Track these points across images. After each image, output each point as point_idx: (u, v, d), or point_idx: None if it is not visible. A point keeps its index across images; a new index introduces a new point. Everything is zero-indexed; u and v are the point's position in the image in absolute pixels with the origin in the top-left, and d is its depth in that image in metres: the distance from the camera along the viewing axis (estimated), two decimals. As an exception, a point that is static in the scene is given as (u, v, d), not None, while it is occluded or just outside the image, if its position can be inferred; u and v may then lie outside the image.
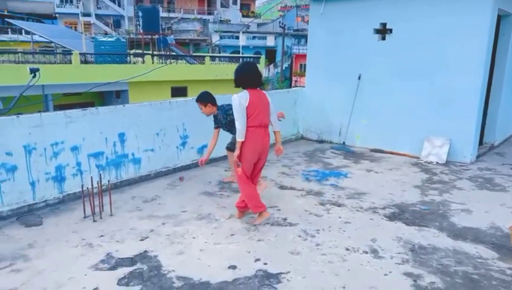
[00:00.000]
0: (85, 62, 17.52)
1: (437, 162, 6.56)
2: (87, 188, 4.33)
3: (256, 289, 3.04)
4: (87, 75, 16.70)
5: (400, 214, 4.52)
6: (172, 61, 19.06)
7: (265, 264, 3.41)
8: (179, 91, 19.81)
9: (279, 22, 40.41)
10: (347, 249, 3.68)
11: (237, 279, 3.19)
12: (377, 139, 7.38)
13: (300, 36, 48.66)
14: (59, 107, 13.87)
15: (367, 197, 5.03)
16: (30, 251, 3.59)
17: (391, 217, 4.43)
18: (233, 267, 3.37)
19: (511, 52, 7.34)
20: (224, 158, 6.67)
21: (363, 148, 7.54)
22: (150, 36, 21.67)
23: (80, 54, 17.21)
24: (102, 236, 3.90)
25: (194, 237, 3.90)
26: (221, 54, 27.31)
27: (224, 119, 4.99)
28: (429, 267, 3.40)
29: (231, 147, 5.22)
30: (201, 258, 3.51)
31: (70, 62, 16.87)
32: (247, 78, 3.95)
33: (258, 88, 4.04)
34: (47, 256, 3.50)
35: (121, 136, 5.31)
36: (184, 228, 4.10)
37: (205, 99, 4.93)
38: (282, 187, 5.36)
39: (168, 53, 22.18)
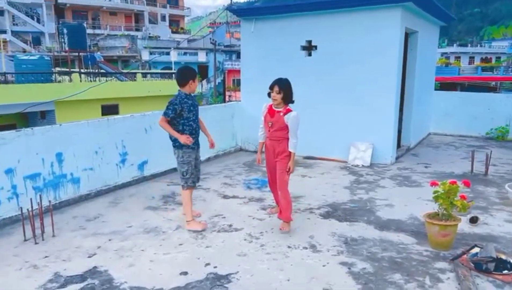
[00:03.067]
0: (5, 82, 16.47)
1: (362, 165, 7.21)
2: (27, 209, 4.24)
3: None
4: (8, 96, 15.73)
5: (333, 212, 4.98)
6: (108, 79, 18.51)
7: (215, 267, 3.63)
8: (110, 109, 19.29)
9: (210, 38, 40.92)
10: (289, 247, 4.01)
11: (189, 283, 3.37)
12: (309, 147, 7.88)
13: (231, 51, 49.63)
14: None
15: (303, 199, 5.44)
16: (-30, 278, 3.47)
17: (325, 216, 4.87)
18: (184, 273, 3.54)
19: (419, 64, 8.33)
20: (167, 172, 6.77)
21: (297, 156, 7.96)
22: (76, 54, 20.90)
23: (-1, 73, 16.18)
24: (46, 257, 3.86)
25: (142, 250, 4.00)
26: (153, 71, 27.03)
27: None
28: (360, 255, 3.83)
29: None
30: (152, 268, 3.63)
31: (-12, 83, 15.81)
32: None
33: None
34: (-10, 282, 3.41)
35: (59, 155, 5.23)
36: (132, 242, 4.18)
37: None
38: (225, 197, 5.60)
39: (97, 70, 21.54)
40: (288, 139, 4.29)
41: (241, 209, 5.10)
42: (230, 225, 4.59)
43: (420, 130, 9.37)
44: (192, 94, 4.53)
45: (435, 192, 3.92)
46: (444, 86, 19.61)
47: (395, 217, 4.78)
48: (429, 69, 9.53)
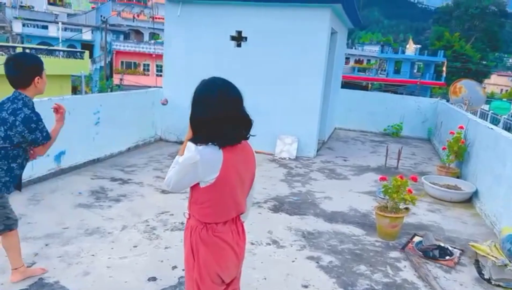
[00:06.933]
0: None
1: (289, 158, 7.45)
2: None
3: (189, 295, 3.02)
4: None
5: (281, 206, 5.05)
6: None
7: (183, 270, 3.37)
8: (-19, 87, 16.44)
9: (101, 16, 37.63)
10: (252, 243, 3.94)
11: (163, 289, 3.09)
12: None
13: (119, 31, 46.45)
14: None
15: (246, 194, 5.39)
16: None
17: (275, 209, 4.91)
18: (153, 278, 3.24)
19: (336, 64, 8.87)
20: (86, 164, 6.09)
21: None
22: None
23: None
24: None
25: (93, 255, 3.53)
26: (34, 46, 23.85)
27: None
28: (322, 249, 3.96)
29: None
30: (113, 276, 3.24)
31: None
32: (225, 122, 1.85)
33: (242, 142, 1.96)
34: None
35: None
36: (76, 246, 3.66)
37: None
38: (164, 192, 5.24)
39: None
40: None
41: (186, 205, 4.83)
42: (182, 223, 4.32)
43: (331, 125, 10.03)
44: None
45: (384, 186, 4.24)
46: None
47: (338, 209, 5.05)
48: (340, 67, 10.23)
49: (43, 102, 5.33)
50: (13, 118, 2.66)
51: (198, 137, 1.86)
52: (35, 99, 2.89)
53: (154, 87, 9.29)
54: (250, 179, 2.05)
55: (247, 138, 1.98)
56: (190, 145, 1.84)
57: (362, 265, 3.68)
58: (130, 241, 3.84)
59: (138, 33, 51.55)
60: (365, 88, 40.79)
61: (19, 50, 19.17)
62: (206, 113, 1.84)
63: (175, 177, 1.91)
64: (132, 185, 5.46)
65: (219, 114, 1.83)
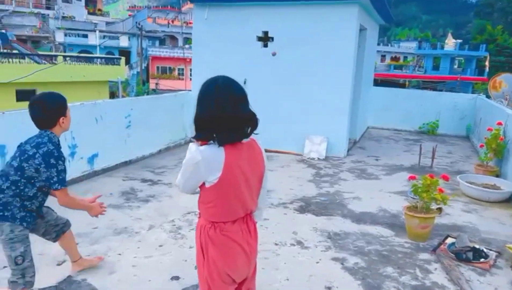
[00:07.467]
0: None
1: (318, 158, 7.34)
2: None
3: (210, 295, 3.03)
4: None
5: (307, 206, 4.98)
6: (22, 60, 16.51)
7: (206, 269, 3.40)
8: (26, 95, 17.34)
9: (136, 22, 38.76)
10: (276, 244, 3.92)
11: (185, 289, 3.12)
12: (263, 139, 7.84)
13: (154, 37, 47.74)
14: None
15: (273, 194, 5.35)
16: None
17: (301, 210, 4.85)
18: (176, 277, 3.28)
19: (365, 61, 8.67)
20: (118, 166, 6.27)
21: (251, 149, 7.92)
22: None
23: None
24: (5, 267, 3.31)
25: (119, 254, 3.63)
26: (74, 54, 24.90)
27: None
28: (348, 250, 3.87)
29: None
30: (138, 274, 3.31)
31: None
32: (224, 120, 1.81)
33: (245, 139, 1.90)
34: None
35: (1, 148, 4.54)
36: (104, 245, 3.78)
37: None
38: (191, 192, 5.30)
39: (8, 51, 19.20)
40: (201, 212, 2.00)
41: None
42: (207, 223, 4.35)
43: (363, 124, 9.82)
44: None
45: (413, 185, 4.09)
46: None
47: (366, 210, 4.92)
48: (371, 65, 10.00)
49: (75, 107, 5.56)
50: (35, 151, 2.57)
51: (199, 135, 1.85)
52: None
53: (184, 90, 9.45)
54: (258, 178, 2.00)
55: (248, 136, 1.89)
56: (191, 146, 1.86)
57: (389, 267, 3.57)
58: (156, 241, 3.91)
59: (173, 38, 52.74)
60: (402, 85, 39.59)
61: (60, 58, 20.07)
62: (204, 111, 1.83)
63: (181, 178, 1.94)
64: (161, 186, 5.57)
65: (216, 113, 1.80)
